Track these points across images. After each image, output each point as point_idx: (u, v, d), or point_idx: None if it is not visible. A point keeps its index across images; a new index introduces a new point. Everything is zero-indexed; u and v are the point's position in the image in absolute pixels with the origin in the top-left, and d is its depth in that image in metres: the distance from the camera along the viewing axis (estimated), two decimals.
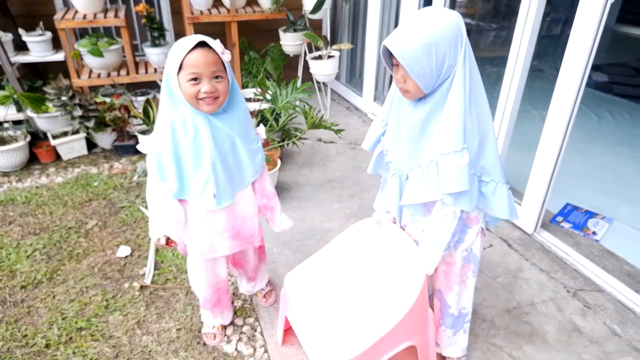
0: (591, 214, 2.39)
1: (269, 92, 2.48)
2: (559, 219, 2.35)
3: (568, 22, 4.78)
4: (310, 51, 3.50)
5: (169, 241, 1.38)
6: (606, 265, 2.01)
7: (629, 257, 2.07)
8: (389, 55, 1.20)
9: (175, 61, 1.21)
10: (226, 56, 1.25)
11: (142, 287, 1.97)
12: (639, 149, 3.23)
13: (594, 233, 2.24)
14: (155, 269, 2.07)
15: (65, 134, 3.05)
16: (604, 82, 4.57)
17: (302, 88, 2.45)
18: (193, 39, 1.20)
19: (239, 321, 1.81)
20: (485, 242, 2.24)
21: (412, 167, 1.29)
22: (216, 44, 1.23)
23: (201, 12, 3.33)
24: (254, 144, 1.44)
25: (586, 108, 3.89)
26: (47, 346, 1.69)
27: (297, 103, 2.49)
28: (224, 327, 1.76)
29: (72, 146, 3.04)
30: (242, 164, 1.41)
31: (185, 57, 1.19)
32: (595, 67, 4.92)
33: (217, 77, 1.23)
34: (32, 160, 2.99)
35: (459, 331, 1.52)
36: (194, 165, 1.33)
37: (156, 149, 1.32)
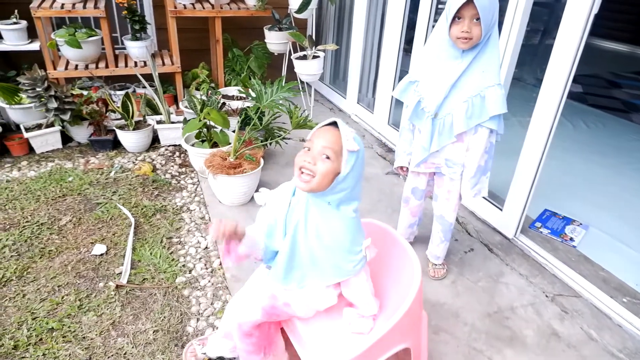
0: (568, 221, 2.45)
1: (254, 90, 2.44)
2: (538, 224, 2.39)
3: (546, 32, 4.90)
4: (295, 51, 3.47)
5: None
6: (583, 271, 2.06)
7: (604, 263, 2.13)
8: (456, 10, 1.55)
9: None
10: (349, 144, 1.16)
11: (117, 286, 1.90)
12: (610, 157, 3.34)
13: (571, 239, 2.29)
14: (131, 268, 2.01)
15: (39, 126, 2.93)
16: (578, 92, 4.71)
17: (287, 87, 2.42)
18: (330, 119, 1.21)
19: (217, 322, 1.77)
20: (466, 247, 2.26)
21: (445, 107, 1.68)
22: (346, 129, 1.17)
23: (184, 7, 3.27)
24: (350, 253, 1.26)
25: (562, 117, 3.98)
26: (15, 347, 1.61)
27: (282, 102, 2.46)
28: None
29: (46, 139, 2.93)
30: (320, 262, 1.27)
31: (317, 130, 1.21)
32: None
33: (326, 157, 1.16)
34: (3, 153, 2.86)
35: (449, 241, 2.03)
36: (279, 232, 1.28)
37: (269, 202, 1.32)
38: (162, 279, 1.97)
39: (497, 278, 2.07)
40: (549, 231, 2.34)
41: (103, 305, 1.81)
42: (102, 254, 2.08)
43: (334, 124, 1.19)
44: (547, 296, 1.97)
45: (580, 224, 2.43)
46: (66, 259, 2.05)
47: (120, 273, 1.97)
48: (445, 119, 1.70)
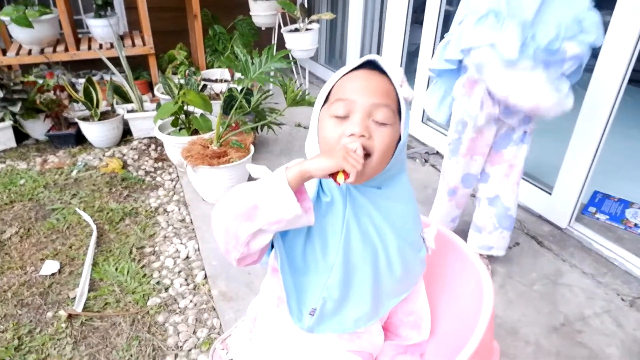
0: (626, 203, 2.03)
1: (238, 62, 2.00)
2: (592, 209, 1.97)
3: None
4: (285, 24, 3.03)
5: None
6: None
7: None
8: None
9: (325, 88, 0.76)
10: (406, 91, 0.73)
11: (70, 316, 1.45)
12: None
13: (636, 225, 1.87)
14: (90, 290, 1.56)
15: None
16: None
17: (278, 56, 1.98)
18: (363, 58, 0.74)
19: (202, 358, 1.33)
20: (510, 240, 1.84)
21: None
22: (394, 69, 0.73)
23: None
24: (416, 251, 0.85)
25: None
26: None
27: (272, 74, 2.02)
28: None
29: None
30: (391, 274, 0.81)
31: (339, 79, 0.74)
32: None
33: (380, 123, 0.70)
34: None
35: (510, 231, 1.60)
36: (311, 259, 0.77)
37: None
38: (130, 302, 1.52)
39: (555, 279, 1.64)
40: (607, 217, 1.92)
41: (49, 344, 1.36)
42: (53, 274, 1.63)
43: (371, 63, 0.72)
44: (623, 300, 1.55)
45: None
46: (7, 282, 1.60)
47: (75, 298, 1.52)
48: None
